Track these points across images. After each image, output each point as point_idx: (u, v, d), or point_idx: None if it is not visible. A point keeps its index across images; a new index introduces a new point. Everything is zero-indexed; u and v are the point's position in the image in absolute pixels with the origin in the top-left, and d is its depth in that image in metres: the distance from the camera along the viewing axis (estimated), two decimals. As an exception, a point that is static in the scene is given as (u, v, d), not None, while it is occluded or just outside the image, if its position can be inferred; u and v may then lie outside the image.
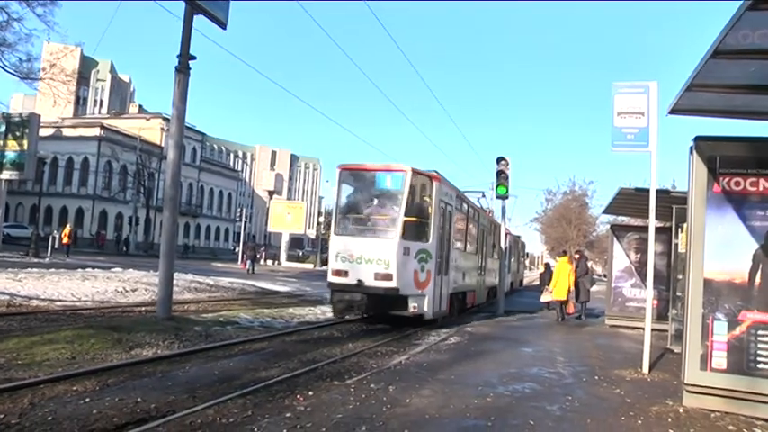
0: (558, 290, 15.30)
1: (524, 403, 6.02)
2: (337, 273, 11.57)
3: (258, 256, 37.81)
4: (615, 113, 8.62)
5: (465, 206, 15.27)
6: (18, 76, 24.73)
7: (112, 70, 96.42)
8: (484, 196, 19.39)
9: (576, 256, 17.41)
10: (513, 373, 7.70)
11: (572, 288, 15.49)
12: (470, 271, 16.28)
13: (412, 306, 11.58)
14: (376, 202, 12.12)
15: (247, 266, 33.67)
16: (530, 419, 5.33)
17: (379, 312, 12.03)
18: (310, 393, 5.86)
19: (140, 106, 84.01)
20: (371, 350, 9.25)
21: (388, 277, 11.16)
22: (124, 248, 47.07)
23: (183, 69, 10.99)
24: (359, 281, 11.25)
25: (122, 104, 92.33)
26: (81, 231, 51.02)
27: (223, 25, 11.66)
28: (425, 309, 11.82)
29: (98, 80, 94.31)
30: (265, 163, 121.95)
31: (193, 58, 11.17)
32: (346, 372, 7.27)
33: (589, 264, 18.84)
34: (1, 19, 23.46)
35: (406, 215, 11.40)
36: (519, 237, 36.21)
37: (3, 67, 24.09)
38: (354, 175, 12.60)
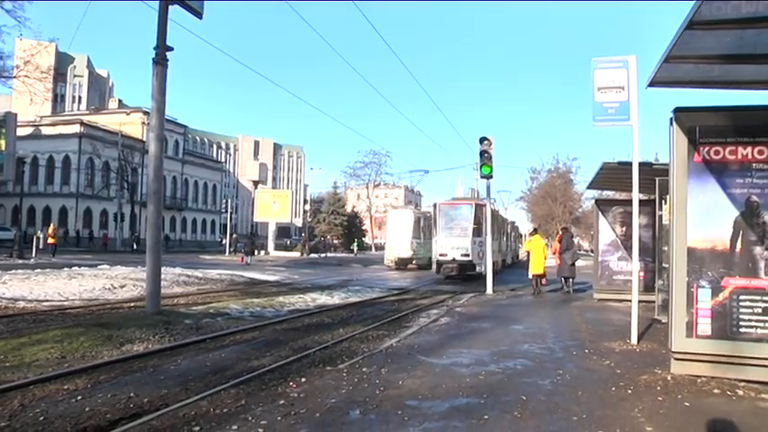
0: (535, 265, 16.95)
1: (516, 379, 6.09)
2: (442, 255, 22.38)
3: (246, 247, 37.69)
4: (596, 88, 8.63)
5: (493, 214, 23.18)
6: (-10, 75, 24.25)
7: (89, 65, 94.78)
8: (495, 201, 27.44)
9: (560, 232, 18.08)
10: (504, 350, 7.77)
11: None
12: (496, 250, 25.78)
13: (478, 269, 21.63)
14: (458, 218, 22.57)
15: (245, 260, 33.60)
16: (522, 395, 5.39)
17: (462, 274, 21.93)
18: (303, 380, 5.88)
19: (120, 101, 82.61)
20: (362, 334, 9.30)
21: (467, 255, 21.80)
22: (135, 246, 46.06)
23: (160, 61, 10.87)
24: (453, 258, 21.92)
25: (101, 100, 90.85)
26: (66, 230, 50.57)
27: (199, 15, 11.53)
28: (483, 270, 20.04)
29: (75, 76, 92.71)
30: (249, 153, 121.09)
31: (171, 49, 11.05)
32: (338, 357, 7.31)
33: (576, 240, 20.93)
34: (-31, 17, 22.98)
35: (473, 224, 22.05)
36: (514, 222, 47.36)
37: (-27, 66, 23.65)
38: (446, 206, 23.62)
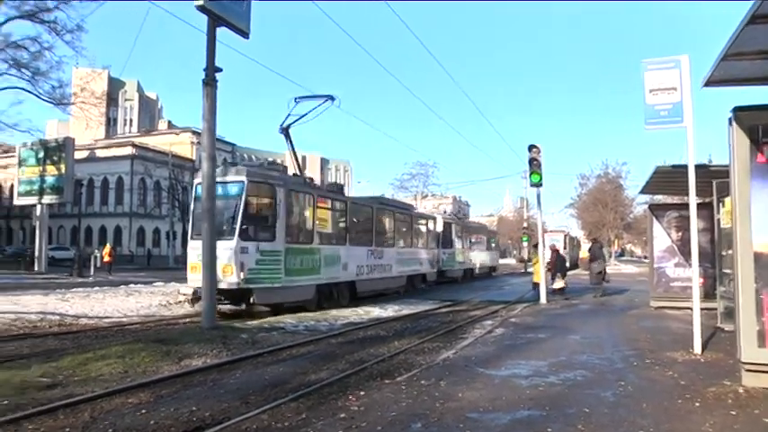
0: (536, 275, 18.41)
1: (577, 391, 5.95)
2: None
3: None
4: (647, 91, 8.41)
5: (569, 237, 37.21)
6: (53, 103, 25.45)
7: (139, 89, 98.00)
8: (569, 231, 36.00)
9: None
10: (562, 361, 7.61)
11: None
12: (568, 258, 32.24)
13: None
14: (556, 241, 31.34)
15: None
16: (584, 407, 5.26)
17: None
18: (362, 393, 5.88)
19: (169, 122, 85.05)
20: (418, 347, 9.23)
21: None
22: None
23: (210, 82, 11.15)
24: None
25: (151, 122, 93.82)
26: (120, 248, 52.14)
27: (246, 35, 11.81)
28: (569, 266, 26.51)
29: (126, 100, 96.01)
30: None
31: (219, 70, 11.31)
32: (395, 370, 7.27)
33: (604, 250, 25.07)
34: (34, 49, 24.22)
35: (564, 245, 32.34)
36: (575, 236, 55.59)
37: (38, 95, 24.86)
38: (551, 233, 40.00)
